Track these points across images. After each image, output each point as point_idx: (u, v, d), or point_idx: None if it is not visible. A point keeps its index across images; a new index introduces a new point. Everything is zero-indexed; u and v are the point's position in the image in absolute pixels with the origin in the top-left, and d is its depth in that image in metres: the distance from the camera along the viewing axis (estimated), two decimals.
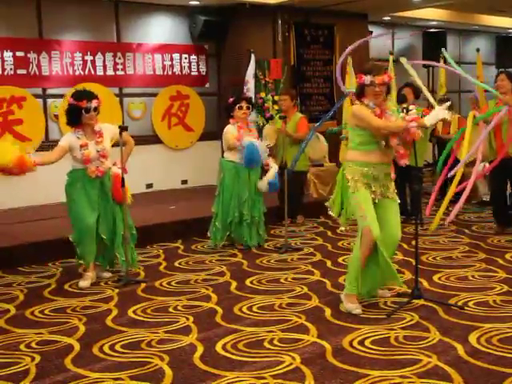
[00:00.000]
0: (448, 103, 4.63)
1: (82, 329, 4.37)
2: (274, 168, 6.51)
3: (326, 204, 4.75)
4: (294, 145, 7.42)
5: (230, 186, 6.46)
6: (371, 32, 11.11)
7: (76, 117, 5.33)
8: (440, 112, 4.39)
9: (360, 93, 4.55)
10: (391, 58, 8.53)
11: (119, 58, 9.16)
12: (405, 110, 4.47)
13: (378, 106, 4.48)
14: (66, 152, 5.34)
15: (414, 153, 4.67)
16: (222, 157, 6.66)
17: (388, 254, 4.49)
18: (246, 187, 6.45)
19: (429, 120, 4.41)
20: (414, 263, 4.71)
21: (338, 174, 4.67)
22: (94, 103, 5.32)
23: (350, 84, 8.97)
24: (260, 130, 7.76)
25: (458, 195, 6.66)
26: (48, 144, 8.37)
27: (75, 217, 5.39)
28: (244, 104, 6.48)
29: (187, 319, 4.49)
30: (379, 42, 11.68)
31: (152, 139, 9.58)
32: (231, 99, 6.60)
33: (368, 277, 4.55)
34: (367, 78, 4.44)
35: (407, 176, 7.39)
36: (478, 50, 9.67)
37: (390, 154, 4.56)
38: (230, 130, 6.45)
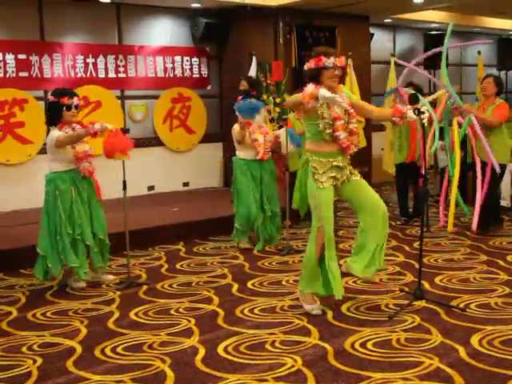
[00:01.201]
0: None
1: (84, 331, 4.37)
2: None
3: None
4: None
5: (244, 183, 6.50)
6: (372, 34, 11.13)
7: (57, 114, 5.22)
8: (336, 96, 4.14)
9: (316, 76, 4.36)
10: (392, 59, 8.55)
11: (121, 61, 9.18)
12: (416, 111, 4.41)
13: (332, 90, 4.32)
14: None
15: (422, 153, 4.68)
16: (234, 155, 6.70)
17: (382, 230, 4.45)
18: (259, 184, 6.53)
19: (323, 92, 4.10)
20: (415, 265, 4.72)
21: (300, 169, 4.62)
22: (75, 100, 5.25)
23: (351, 86, 8.99)
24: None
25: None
26: None
27: (69, 221, 5.26)
28: (253, 101, 6.49)
29: (189, 321, 4.50)
30: (380, 43, 11.69)
31: (153, 141, 9.58)
32: (240, 97, 6.61)
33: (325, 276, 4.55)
34: (329, 61, 4.32)
35: (410, 177, 7.40)
36: (479, 52, 9.69)
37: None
38: (236, 127, 6.45)
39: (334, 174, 4.41)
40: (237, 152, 6.64)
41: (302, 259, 4.68)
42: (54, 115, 5.26)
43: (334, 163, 4.41)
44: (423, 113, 4.39)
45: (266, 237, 6.66)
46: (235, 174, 6.59)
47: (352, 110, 4.41)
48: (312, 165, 4.41)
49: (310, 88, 4.21)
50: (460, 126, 6.72)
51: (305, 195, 4.59)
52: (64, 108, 5.20)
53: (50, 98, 5.29)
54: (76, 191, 5.29)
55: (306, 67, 4.48)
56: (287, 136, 6.47)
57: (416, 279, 4.82)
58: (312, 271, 4.51)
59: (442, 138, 8.38)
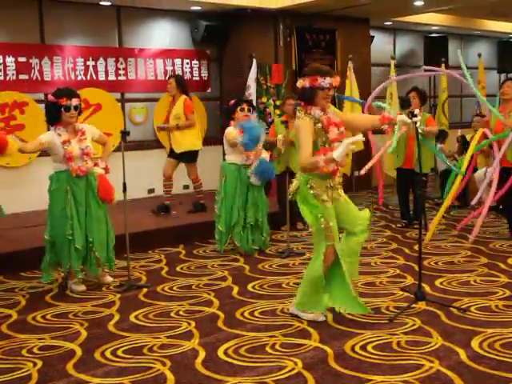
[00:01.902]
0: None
1: (84, 334, 4.37)
2: (260, 158, 6.46)
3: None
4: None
5: (232, 189, 6.47)
6: (373, 37, 11.13)
7: (55, 114, 5.24)
8: (346, 145, 4.11)
9: (311, 97, 4.28)
10: (392, 62, 8.55)
11: (121, 63, 9.18)
12: (410, 114, 4.41)
13: (324, 112, 4.31)
14: (43, 147, 5.25)
15: (418, 158, 4.68)
16: (224, 160, 6.68)
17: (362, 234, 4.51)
18: (246, 189, 6.49)
19: (337, 154, 4.12)
20: (416, 268, 4.71)
21: (299, 192, 4.41)
22: (74, 101, 5.23)
23: (351, 89, 9.00)
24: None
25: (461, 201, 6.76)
26: None
27: (60, 222, 5.29)
28: (245, 106, 6.51)
29: (189, 324, 4.49)
30: (380, 46, 11.69)
31: (153, 144, 9.57)
32: (232, 101, 6.64)
33: (337, 289, 4.51)
34: (326, 81, 4.22)
35: (410, 182, 7.40)
36: (479, 54, 9.69)
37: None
38: (231, 131, 6.45)
39: (330, 193, 4.38)
40: (227, 156, 6.60)
41: (302, 282, 4.54)
42: (53, 115, 5.29)
43: (328, 184, 4.36)
44: (416, 116, 4.39)
45: (245, 246, 6.55)
46: (225, 178, 6.53)
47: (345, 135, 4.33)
48: (311, 185, 4.31)
49: (322, 159, 4.13)
50: (486, 137, 6.69)
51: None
52: (62, 109, 5.21)
53: (49, 97, 5.33)
54: (70, 191, 5.30)
55: (299, 85, 4.35)
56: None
57: (416, 282, 4.81)
58: (319, 290, 4.42)
59: (441, 140, 8.41)
